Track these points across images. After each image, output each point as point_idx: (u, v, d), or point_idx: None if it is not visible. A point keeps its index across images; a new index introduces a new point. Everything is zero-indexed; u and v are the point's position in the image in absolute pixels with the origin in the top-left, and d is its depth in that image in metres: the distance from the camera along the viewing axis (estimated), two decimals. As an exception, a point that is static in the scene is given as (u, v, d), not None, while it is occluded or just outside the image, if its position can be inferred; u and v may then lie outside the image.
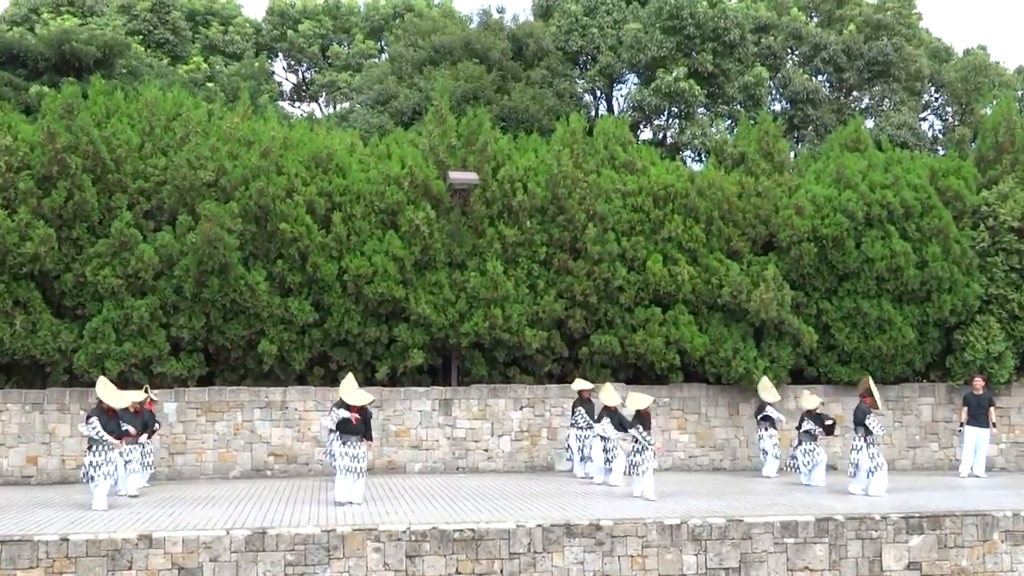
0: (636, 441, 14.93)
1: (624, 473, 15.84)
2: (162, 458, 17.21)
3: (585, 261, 18.71)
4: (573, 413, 17.35)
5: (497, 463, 18.43)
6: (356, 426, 14.06)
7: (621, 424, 16.14)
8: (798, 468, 16.99)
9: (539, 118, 28.26)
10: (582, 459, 17.19)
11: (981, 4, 68.33)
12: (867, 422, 15.49)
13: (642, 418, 15.07)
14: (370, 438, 14.64)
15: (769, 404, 17.89)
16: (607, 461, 16.41)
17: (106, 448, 13.70)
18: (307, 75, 39.92)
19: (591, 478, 16.83)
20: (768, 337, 19.24)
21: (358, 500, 13.95)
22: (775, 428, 17.91)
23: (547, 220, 18.92)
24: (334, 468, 14.56)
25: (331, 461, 15.07)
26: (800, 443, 17.08)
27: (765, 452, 17.96)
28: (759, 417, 18.02)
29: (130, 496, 14.73)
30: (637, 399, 15.24)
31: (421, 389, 18.44)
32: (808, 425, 17.04)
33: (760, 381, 18.19)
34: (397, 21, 37.51)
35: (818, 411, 17.23)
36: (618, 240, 18.87)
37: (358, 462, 14.04)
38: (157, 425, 16.33)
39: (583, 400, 17.29)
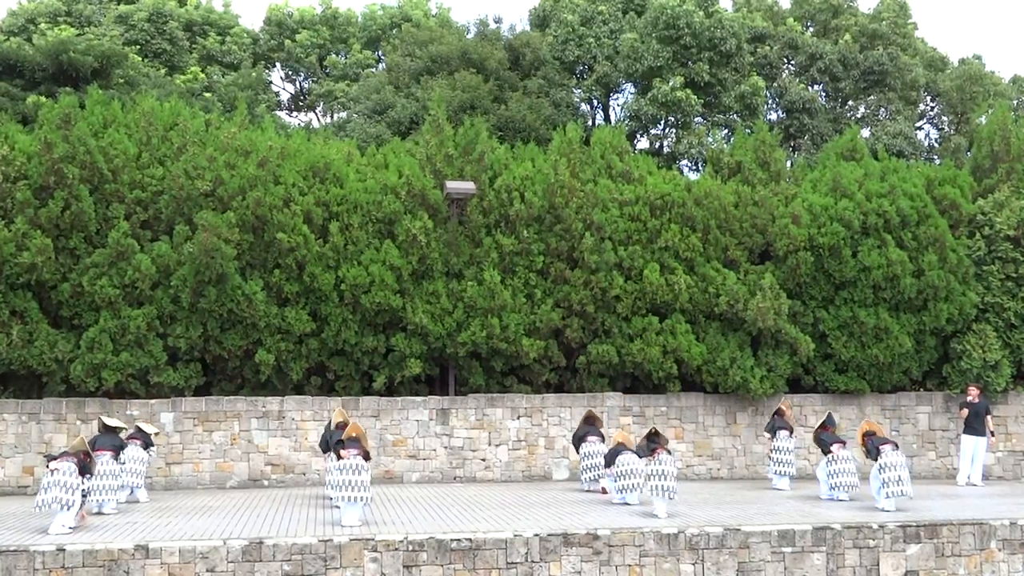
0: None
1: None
2: (159, 468, 17.17)
3: (582, 270, 18.73)
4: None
5: (494, 472, 18.41)
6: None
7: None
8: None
9: (536, 128, 28.32)
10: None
11: (976, 14, 68.63)
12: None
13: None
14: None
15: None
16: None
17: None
18: (304, 85, 39.99)
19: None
20: (765, 346, 19.25)
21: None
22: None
23: (544, 229, 18.94)
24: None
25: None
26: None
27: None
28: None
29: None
30: None
31: (418, 399, 18.43)
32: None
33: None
34: (394, 31, 37.61)
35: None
36: (615, 249, 18.89)
37: None
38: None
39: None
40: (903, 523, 13.56)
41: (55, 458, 13.06)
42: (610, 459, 15.44)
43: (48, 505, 12.63)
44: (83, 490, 12.99)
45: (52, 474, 12.76)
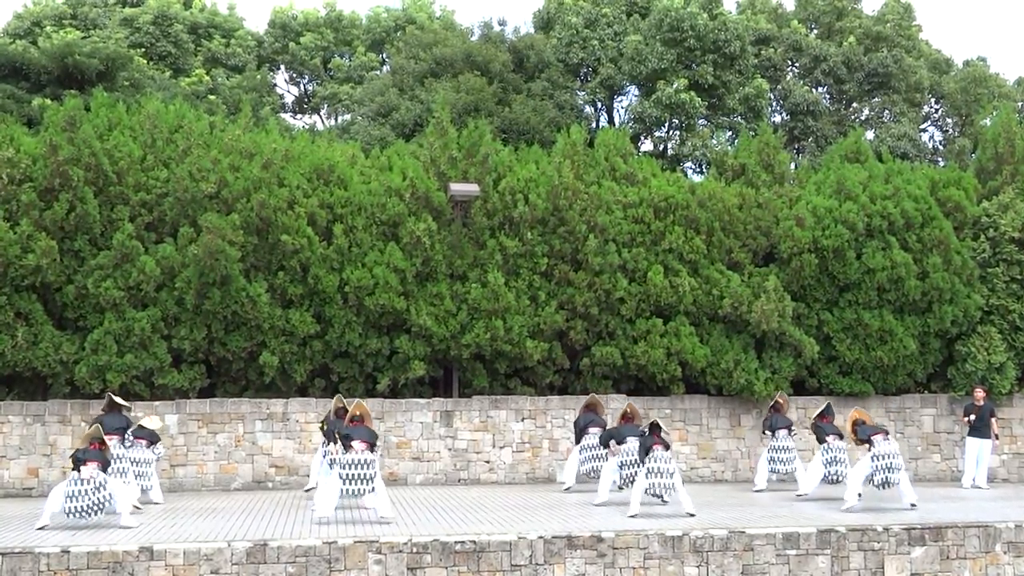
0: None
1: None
2: (163, 470, 17.18)
3: (586, 272, 18.73)
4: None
5: (498, 475, 18.41)
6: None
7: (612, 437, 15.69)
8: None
9: (540, 130, 28.33)
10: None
11: (981, 16, 68.58)
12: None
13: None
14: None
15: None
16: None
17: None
18: (309, 87, 40.05)
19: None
20: (769, 348, 19.24)
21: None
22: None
23: (548, 232, 18.94)
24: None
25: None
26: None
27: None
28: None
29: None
30: None
31: (422, 401, 18.44)
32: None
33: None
34: (398, 33, 37.64)
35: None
36: (619, 251, 18.89)
37: None
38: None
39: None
40: (908, 526, 13.54)
41: (83, 461, 13.05)
42: (616, 439, 15.33)
43: (81, 512, 12.75)
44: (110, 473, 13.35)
45: (82, 483, 12.80)
